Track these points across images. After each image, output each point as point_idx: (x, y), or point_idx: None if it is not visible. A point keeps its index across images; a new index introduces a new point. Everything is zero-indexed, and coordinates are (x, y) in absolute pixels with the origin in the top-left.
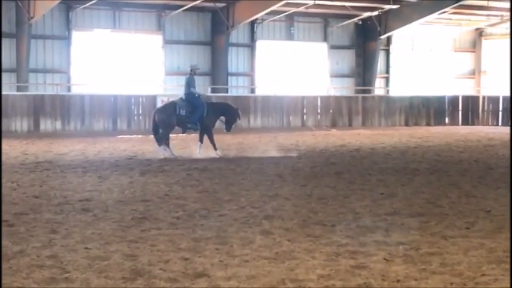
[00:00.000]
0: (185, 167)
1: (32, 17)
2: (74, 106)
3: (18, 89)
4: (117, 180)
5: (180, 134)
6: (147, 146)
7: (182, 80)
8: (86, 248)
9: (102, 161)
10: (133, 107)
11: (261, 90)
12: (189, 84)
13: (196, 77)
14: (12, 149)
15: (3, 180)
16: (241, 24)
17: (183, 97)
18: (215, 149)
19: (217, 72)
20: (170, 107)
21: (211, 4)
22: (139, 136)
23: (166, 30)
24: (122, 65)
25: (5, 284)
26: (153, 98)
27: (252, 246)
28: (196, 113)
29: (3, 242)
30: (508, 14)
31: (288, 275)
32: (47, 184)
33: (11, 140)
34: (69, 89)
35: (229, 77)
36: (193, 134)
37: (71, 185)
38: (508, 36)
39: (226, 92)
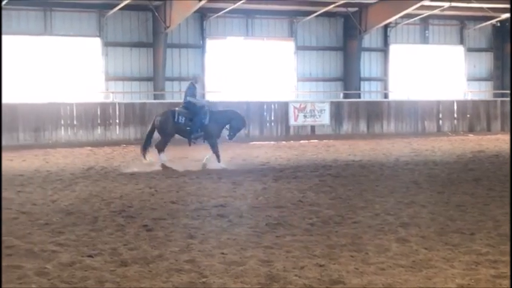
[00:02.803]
0: (318, 173)
1: (168, 27)
2: None
3: (155, 97)
4: (250, 187)
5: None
6: (279, 153)
7: (314, 86)
8: (222, 253)
9: (235, 167)
10: (265, 113)
11: (394, 95)
12: (187, 93)
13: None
14: (150, 155)
15: (141, 186)
16: (374, 28)
17: (184, 105)
18: (218, 160)
19: (350, 77)
20: (169, 114)
21: (343, 9)
22: (272, 142)
23: (298, 36)
24: (254, 71)
25: None
26: (285, 105)
27: (387, 253)
28: (196, 121)
29: (143, 247)
30: None
31: (425, 284)
32: (184, 190)
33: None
34: (203, 97)
35: (361, 82)
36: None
37: (206, 191)
38: None
39: (359, 97)
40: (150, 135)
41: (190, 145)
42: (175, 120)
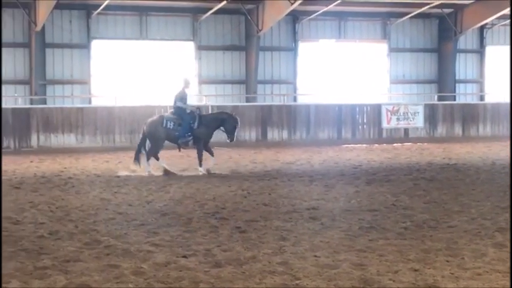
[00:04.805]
0: (412, 176)
1: (261, 30)
2: (299, 116)
3: (247, 99)
4: (343, 189)
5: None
6: (372, 156)
7: (408, 88)
8: (315, 256)
9: (327, 170)
10: (357, 116)
11: (491, 98)
12: (177, 97)
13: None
14: (242, 157)
15: (234, 188)
16: (470, 29)
17: (173, 111)
18: (200, 165)
19: (444, 79)
20: (158, 120)
21: (438, 10)
22: (364, 145)
23: (392, 38)
24: (346, 74)
25: None
26: (378, 107)
27: (484, 259)
28: (184, 126)
29: (237, 248)
30: None
31: None
32: (276, 192)
33: (240, 149)
34: (295, 99)
35: (457, 84)
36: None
37: (298, 194)
38: None
39: (454, 99)
40: (142, 143)
41: (180, 150)
42: (164, 125)
